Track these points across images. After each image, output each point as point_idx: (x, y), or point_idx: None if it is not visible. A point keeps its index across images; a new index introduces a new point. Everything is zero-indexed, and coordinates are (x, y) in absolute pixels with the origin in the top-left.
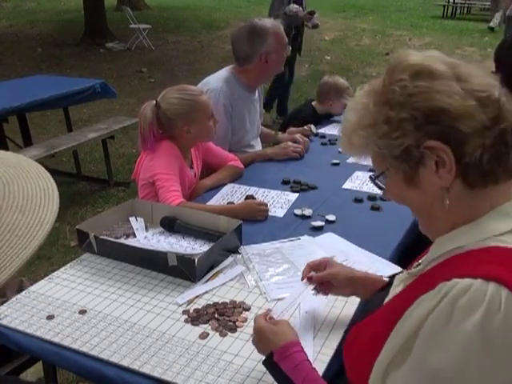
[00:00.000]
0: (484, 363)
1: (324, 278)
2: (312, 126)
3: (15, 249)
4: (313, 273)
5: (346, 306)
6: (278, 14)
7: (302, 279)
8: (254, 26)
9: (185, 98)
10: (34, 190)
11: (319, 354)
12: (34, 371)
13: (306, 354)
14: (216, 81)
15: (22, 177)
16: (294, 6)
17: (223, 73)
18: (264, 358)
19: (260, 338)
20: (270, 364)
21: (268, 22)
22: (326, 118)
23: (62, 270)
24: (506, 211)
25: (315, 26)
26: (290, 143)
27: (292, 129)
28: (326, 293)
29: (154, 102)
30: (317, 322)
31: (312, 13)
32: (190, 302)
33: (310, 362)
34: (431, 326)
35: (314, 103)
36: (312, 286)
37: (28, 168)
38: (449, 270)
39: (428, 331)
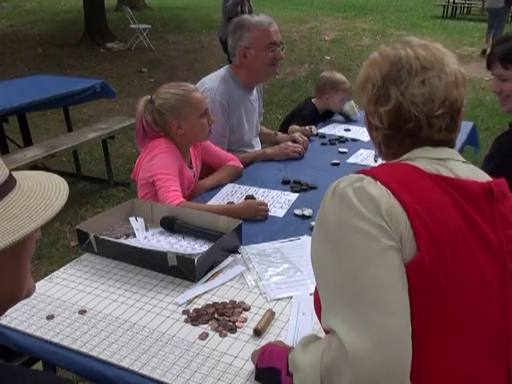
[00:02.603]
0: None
1: None
2: (313, 128)
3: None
4: None
5: None
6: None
7: None
8: (240, 19)
9: (176, 93)
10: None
11: None
12: None
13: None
14: (213, 80)
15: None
16: None
17: (220, 72)
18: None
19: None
20: (258, 374)
21: (256, 17)
22: (327, 117)
23: (61, 269)
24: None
25: None
26: (289, 143)
27: (294, 126)
28: None
29: (149, 97)
30: (316, 323)
31: None
32: (189, 301)
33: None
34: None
35: (313, 100)
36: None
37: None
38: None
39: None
